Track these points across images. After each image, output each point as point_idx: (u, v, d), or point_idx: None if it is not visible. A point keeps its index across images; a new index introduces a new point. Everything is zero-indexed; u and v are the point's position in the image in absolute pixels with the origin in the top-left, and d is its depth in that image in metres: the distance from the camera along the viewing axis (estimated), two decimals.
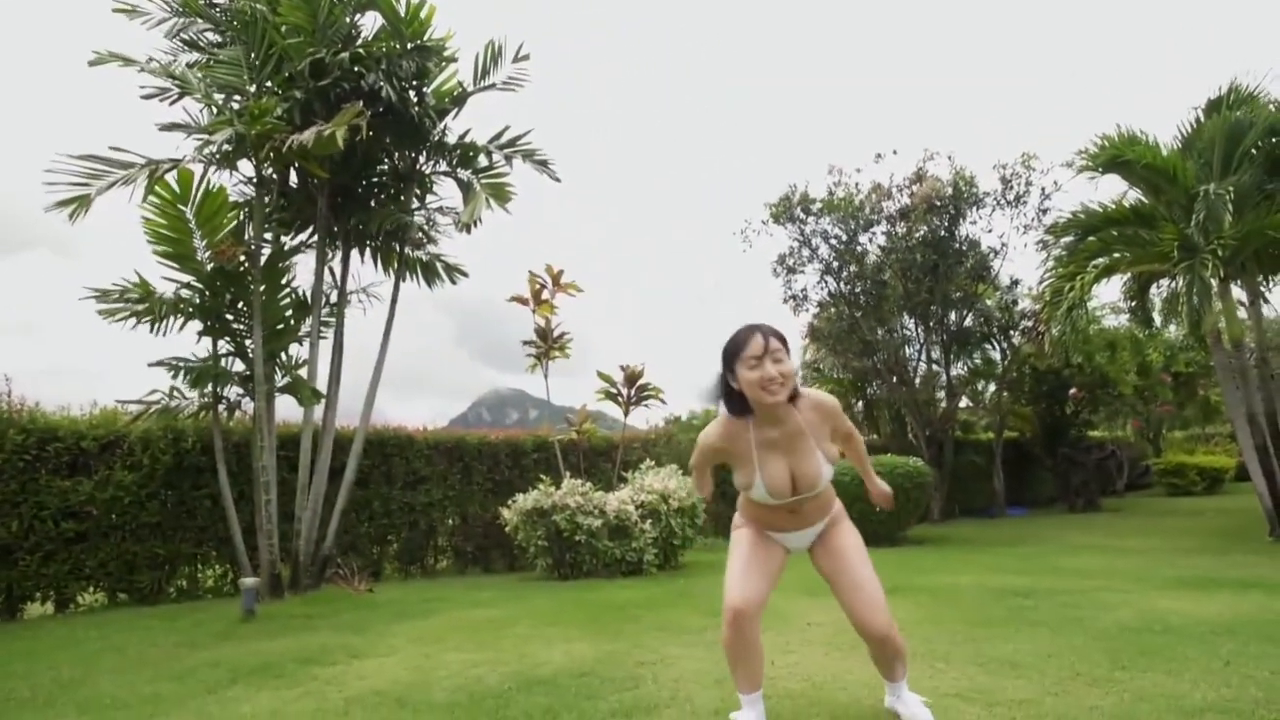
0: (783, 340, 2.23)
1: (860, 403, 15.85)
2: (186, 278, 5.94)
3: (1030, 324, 12.76)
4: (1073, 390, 13.96)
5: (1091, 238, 8.47)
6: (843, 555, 2.45)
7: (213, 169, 5.67)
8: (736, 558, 2.44)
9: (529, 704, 3.00)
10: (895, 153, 12.31)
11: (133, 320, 5.83)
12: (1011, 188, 11.63)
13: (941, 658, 3.43)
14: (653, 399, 8.31)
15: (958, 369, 14.30)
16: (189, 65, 6.05)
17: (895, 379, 13.13)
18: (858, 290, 12.59)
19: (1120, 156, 7.86)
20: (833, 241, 12.38)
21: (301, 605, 5.74)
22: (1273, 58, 30.30)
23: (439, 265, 7.69)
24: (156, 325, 6.01)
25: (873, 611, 2.36)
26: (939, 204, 11.59)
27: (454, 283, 7.85)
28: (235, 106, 5.84)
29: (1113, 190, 8.96)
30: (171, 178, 5.58)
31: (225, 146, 5.31)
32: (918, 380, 13.37)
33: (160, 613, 5.94)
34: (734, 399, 2.30)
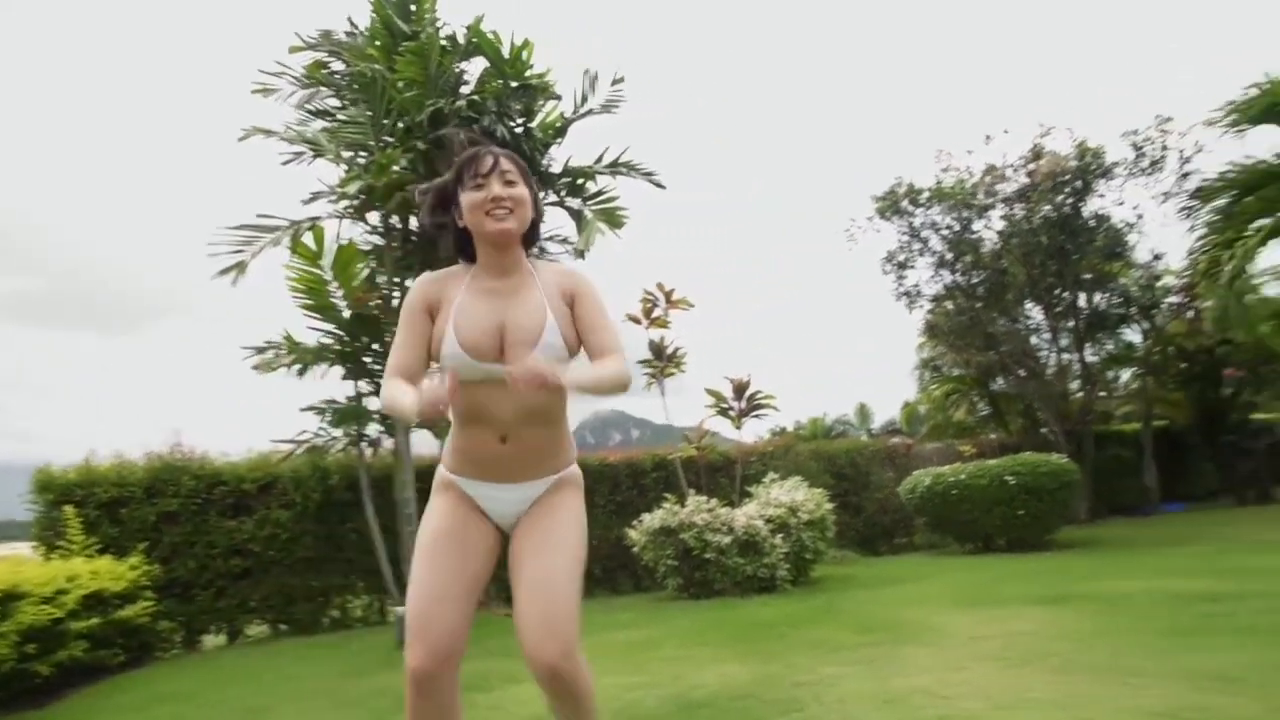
0: (518, 165, 1.85)
1: (985, 400, 14.97)
2: (328, 326, 6.37)
3: (1178, 300, 11.66)
4: (1228, 370, 12.65)
5: (1249, 198, 7.66)
6: (544, 530, 1.77)
7: (344, 222, 6.08)
8: (421, 558, 1.76)
9: None
10: (1006, 132, 11.63)
11: (283, 370, 6.28)
12: (1144, 154, 10.70)
13: (1137, 672, 3.13)
14: (766, 408, 8.14)
15: (1092, 356, 13.25)
16: (318, 130, 6.53)
17: (1023, 372, 12.32)
18: (975, 281, 11.93)
19: (1278, 104, 7.09)
20: (944, 232, 11.80)
21: None
22: None
23: None
24: (303, 372, 6.45)
25: (546, 628, 1.61)
26: (1063, 179, 10.81)
27: None
28: (362, 162, 6.24)
29: (1267, 144, 8.00)
30: (308, 236, 6.02)
31: (357, 200, 5.68)
32: (1049, 372, 12.49)
33: (320, 643, 6.28)
34: (463, 244, 1.88)
